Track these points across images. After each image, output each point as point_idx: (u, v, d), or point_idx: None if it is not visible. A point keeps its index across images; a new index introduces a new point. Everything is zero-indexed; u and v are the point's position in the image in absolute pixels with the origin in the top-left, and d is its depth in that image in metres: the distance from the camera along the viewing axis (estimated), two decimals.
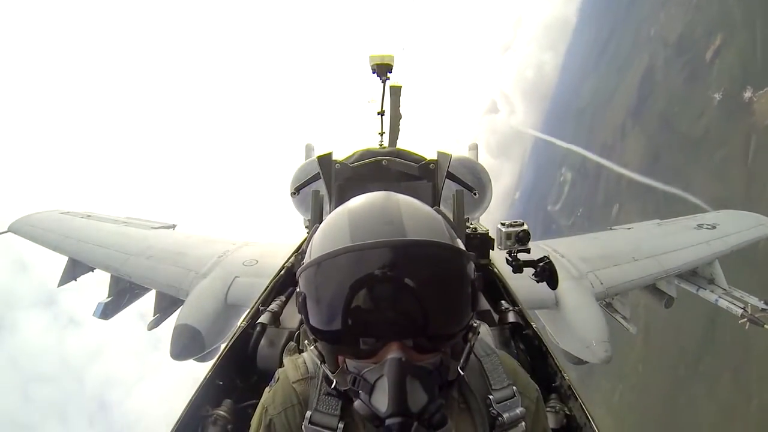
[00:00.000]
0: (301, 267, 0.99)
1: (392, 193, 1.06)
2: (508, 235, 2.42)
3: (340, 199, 2.84)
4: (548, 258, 2.42)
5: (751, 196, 21.95)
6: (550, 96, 63.25)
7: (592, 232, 7.11)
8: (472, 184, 3.37)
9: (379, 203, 1.03)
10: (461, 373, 0.97)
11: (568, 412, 1.90)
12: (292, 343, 2.13)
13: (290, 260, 3.18)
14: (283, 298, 2.77)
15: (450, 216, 2.17)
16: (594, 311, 4.35)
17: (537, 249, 4.29)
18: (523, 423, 1.06)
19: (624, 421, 24.49)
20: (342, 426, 0.99)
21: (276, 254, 4.46)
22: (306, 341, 1.68)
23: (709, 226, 5.84)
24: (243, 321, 2.47)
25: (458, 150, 6.28)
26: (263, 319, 2.44)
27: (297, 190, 3.68)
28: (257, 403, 1.14)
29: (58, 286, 5.62)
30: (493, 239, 2.98)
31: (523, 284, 2.98)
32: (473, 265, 1.00)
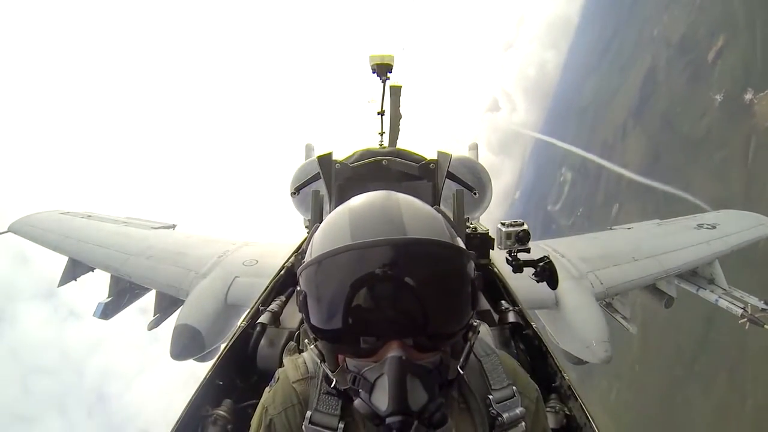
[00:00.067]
0: (302, 265, 0.99)
1: (392, 192, 1.06)
2: (508, 235, 2.42)
3: (340, 199, 2.84)
4: (548, 258, 2.42)
5: (751, 197, 21.99)
6: (551, 94, 63.31)
7: (592, 232, 7.11)
8: (472, 183, 3.37)
9: (379, 202, 1.03)
10: (461, 372, 0.97)
11: (568, 412, 1.90)
12: (292, 343, 2.13)
13: (290, 260, 3.18)
14: (283, 298, 2.77)
15: (450, 216, 2.17)
16: (594, 311, 4.35)
17: (537, 249, 4.28)
18: (523, 423, 1.06)
19: (620, 419, 24.56)
20: (342, 426, 0.99)
21: (276, 254, 4.46)
22: (306, 341, 1.68)
23: (709, 226, 5.84)
24: (243, 321, 2.47)
25: (458, 150, 6.29)
26: (263, 319, 2.44)
27: (297, 190, 3.68)
28: (257, 403, 1.14)
29: (58, 286, 5.63)
30: (493, 239, 2.98)
31: (523, 284, 2.98)
32: (473, 264, 1.00)
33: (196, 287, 4.51)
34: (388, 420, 0.84)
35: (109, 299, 5.26)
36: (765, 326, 4.95)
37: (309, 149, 6.20)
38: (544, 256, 2.43)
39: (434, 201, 3.05)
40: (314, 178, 3.42)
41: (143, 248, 5.22)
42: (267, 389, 1.14)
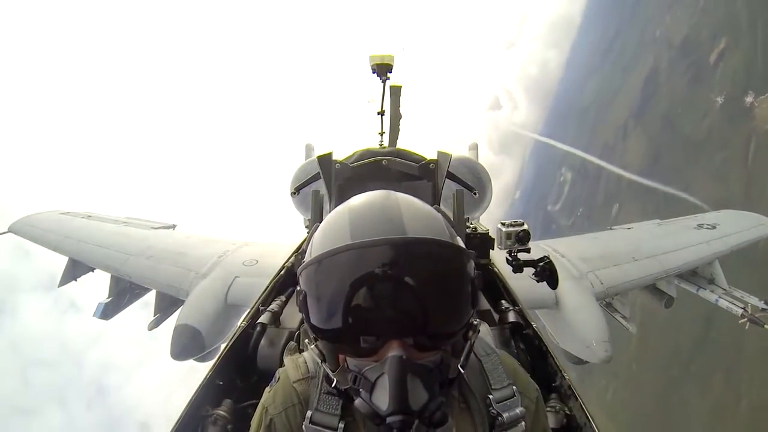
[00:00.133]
0: (302, 265, 0.99)
1: (392, 192, 1.06)
2: (508, 235, 2.42)
3: (340, 199, 2.84)
4: (548, 258, 2.42)
5: (751, 198, 22.04)
6: (553, 94, 63.37)
7: (592, 232, 7.11)
8: (472, 183, 3.36)
9: (379, 202, 1.03)
10: (461, 371, 0.97)
11: (568, 412, 1.90)
12: (293, 343, 2.13)
13: (290, 260, 3.18)
14: (283, 298, 2.77)
15: (450, 216, 2.17)
16: (594, 311, 4.35)
17: (537, 249, 4.28)
18: (523, 423, 1.06)
19: (617, 418, 24.63)
20: (343, 425, 0.99)
21: (276, 254, 4.46)
22: (306, 340, 1.68)
23: (709, 226, 5.84)
24: (243, 321, 2.47)
25: (458, 150, 6.29)
26: (263, 319, 2.44)
27: (297, 190, 3.68)
28: (257, 403, 1.14)
29: (58, 286, 5.63)
30: (493, 239, 2.98)
31: (523, 284, 2.98)
32: (473, 263, 1.00)
33: (196, 287, 4.51)
34: (389, 419, 0.84)
35: (109, 299, 5.27)
36: (765, 326, 4.95)
37: (309, 149, 6.19)
38: (544, 256, 2.43)
39: (434, 201, 3.05)
40: (314, 178, 3.42)
41: (143, 248, 5.22)
42: (267, 389, 1.14)
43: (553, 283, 2.41)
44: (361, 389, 0.91)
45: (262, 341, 2.32)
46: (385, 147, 4.22)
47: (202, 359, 4.46)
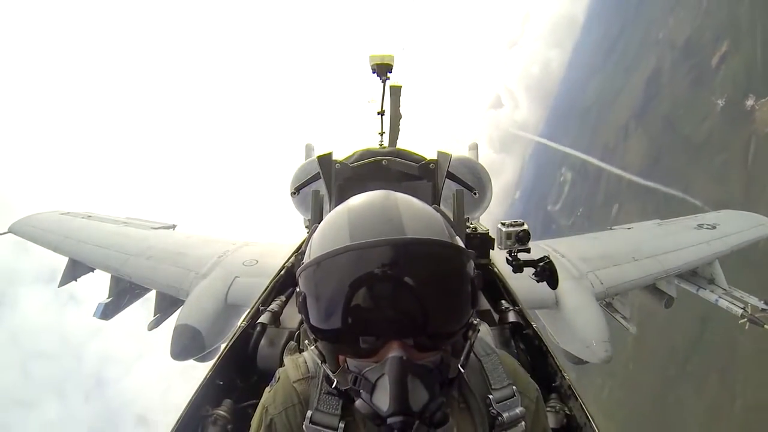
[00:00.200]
0: (301, 266, 0.99)
1: (391, 192, 1.06)
2: (509, 235, 2.42)
3: (340, 199, 2.84)
4: (548, 258, 2.42)
5: (750, 200, 22.09)
6: (554, 93, 63.26)
7: (592, 232, 7.11)
8: (472, 183, 3.37)
9: (378, 202, 1.03)
10: (461, 370, 0.97)
11: (568, 412, 1.90)
12: (293, 343, 2.13)
13: (290, 260, 3.18)
14: (283, 298, 2.77)
15: (450, 215, 2.17)
16: (594, 311, 4.35)
17: (537, 249, 4.28)
18: (523, 423, 1.06)
19: (612, 417, 24.69)
20: (343, 425, 0.99)
21: (276, 254, 4.46)
22: (306, 341, 1.68)
23: (710, 226, 5.84)
24: (243, 321, 2.47)
25: (458, 150, 6.29)
26: (263, 319, 2.44)
27: (297, 190, 3.68)
28: (257, 403, 1.14)
29: (58, 287, 5.63)
30: (493, 239, 2.98)
31: (523, 284, 2.98)
32: (473, 263, 1.00)
33: (196, 287, 4.51)
34: (390, 420, 0.84)
35: (110, 299, 5.27)
36: (765, 326, 4.96)
37: (309, 149, 6.19)
38: (544, 256, 2.43)
39: (434, 201, 3.05)
40: (314, 178, 3.42)
41: (143, 248, 5.22)
42: (267, 389, 1.14)
43: (553, 283, 2.41)
44: (361, 390, 0.91)
45: (262, 341, 2.32)
46: (385, 147, 4.22)
47: (202, 359, 4.46)
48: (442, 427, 0.88)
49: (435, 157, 3.09)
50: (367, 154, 3.20)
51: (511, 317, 2.52)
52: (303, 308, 0.98)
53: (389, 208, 0.98)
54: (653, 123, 35.10)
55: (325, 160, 3.07)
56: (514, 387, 1.09)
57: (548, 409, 1.91)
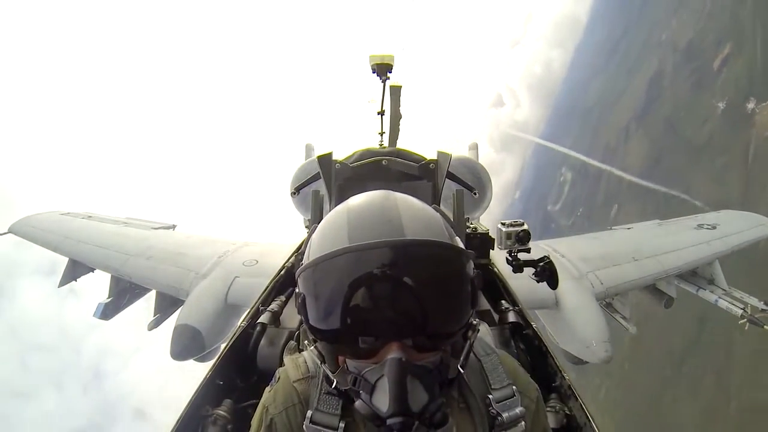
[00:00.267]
0: (300, 268, 0.99)
1: (391, 192, 1.05)
2: (509, 235, 2.42)
3: (340, 199, 2.84)
4: (548, 258, 2.41)
5: (749, 203, 22.14)
6: (556, 93, 63.38)
7: (592, 232, 7.11)
8: (472, 183, 3.36)
9: (377, 202, 1.02)
10: (461, 371, 0.97)
11: (568, 412, 1.90)
12: (293, 342, 2.13)
13: (290, 260, 3.18)
14: (283, 297, 2.77)
15: (450, 215, 2.17)
16: (594, 311, 4.35)
17: (537, 249, 4.27)
18: (523, 422, 1.06)
19: (608, 417, 24.73)
20: (343, 425, 0.99)
21: (276, 254, 4.46)
22: (306, 341, 1.68)
23: (710, 227, 5.84)
24: (243, 321, 2.47)
25: (458, 149, 6.29)
26: (263, 319, 2.44)
27: (297, 190, 3.67)
28: (257, 403, 1.14)
29: (58, 287, 5.64)
30: (493, 239, 2.98)
31: (523, 284, 2.98)
32: (472, 264, 1.00)
33: (196, 287, 4.51)
34: (389, 421, 0.85)
35: (110, 299, 5.27)
36: (765, 327, 4.95)
37: (309, 149, 6.19)
38: (544, 256, 2.43)
39: (434, 201, 3.05)
40: (314, 178, 3.41)
41: (143, 249, 5.22)
42: (268, 389, 1.14)
43: (553, 283, 2.41)
44: (361, 391, 0.91)
45: (262, 341, 2.32)
46: (385, 147, 4.21)
47: (202, 359, 4.46)
48: (442, 428, 0.88)
49: (435, 157, 3.08)
50: (367, 154, 3.19)
51: (511, 317, 2.52)
52: (302, 309, 0.97)
53: (389, 209, 0.98)
54: (654, 124, 35.15)
55: (325, 160, 3.07)
56: (513, 387, 1.09)
57: (548, 409, 1.91)
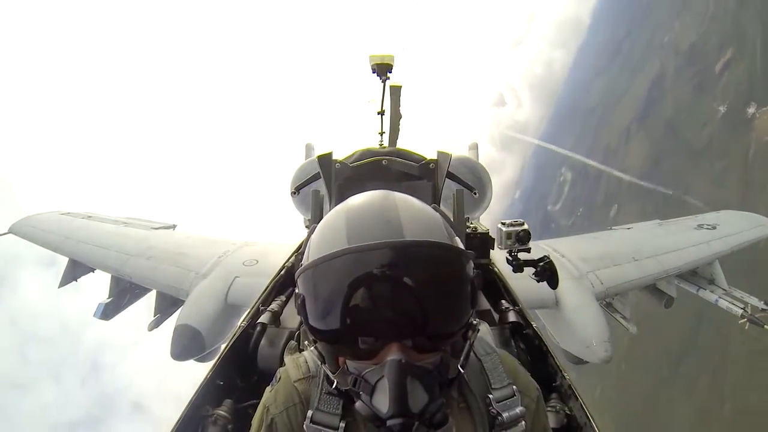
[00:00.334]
0: (299, 269, 0.99)
1: (390, 192, 1.05)
2: (509, 235, 2.42)
3: (340, 198, 2.84)
4: (548, 258, 2.41)
5: (748, 205, 22.20)
6: (558, 93, 63.45)
7: (592, 232, 7.11)
8: (472, 183, 3.36)
9: (376, 202, 1.02)
10: (461, 371, 0.97)
11: (568, 412, 1.91)
12: (293, 342, 2.13)
13: (290, 260, 3.18)
14: (283, 297, 2.77)
15: (450, 215, 2.17)
16: (594, 311, 4.35)
17: (537, 248, 4.27)
18: (523, 422, 1.06)
19: (603, 416, 24.77)
20: (343, 425, 0.99)
21: (276, 254, 4.46)
22: (306, 341, 1.68)
23: (710, 227, 5.84)
24: (243, 321, 2.47)
25: (458, 149, 6.29)
26: (263, 319, 2.44)
27: (297, 190, 3.67)
28: (257, 403, 1.14)
29: (58, 287, 5.64)
30: (494, 239, 2.98)
31: (523, 284, 2.98)
32: (472, 264, 1.00)
33: (197, 287, 4.50)
34: (389, 422, 0.84)
35: (110, 300, 5.27)
36: (765, 326, 4.95)
37: (309, 149, 6.18)
38: (545, 256, 2.43)
39: (434, 201, 3.05)
40: (314, 178, 3.41)
41: (143, 249, 5.22)
42: (268, 388, 1.14)
43: (553, 283, 2.41)
44: (361, 392, 0.91)
45: (263, 341, 2.32)
46: (385, 147, 4.21)
47: (203, 359, 4.46)
48: (442, 428, 0.88)
49: (435, 157, 3.08)
50: (367, 153, 3.19)
51: (511, 317, 2.52)
52: (302, 310, 0.97)
53: (388, 209, 0.98)
54: (655, 126, 35.24)
55: (325, 159, 3.07)
56: (514, 386, 1.09)
57: (548, 408, 1.91)
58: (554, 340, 4.44)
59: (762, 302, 5.05)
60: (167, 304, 5.09)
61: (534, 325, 2.38)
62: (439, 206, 2.49)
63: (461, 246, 1.00)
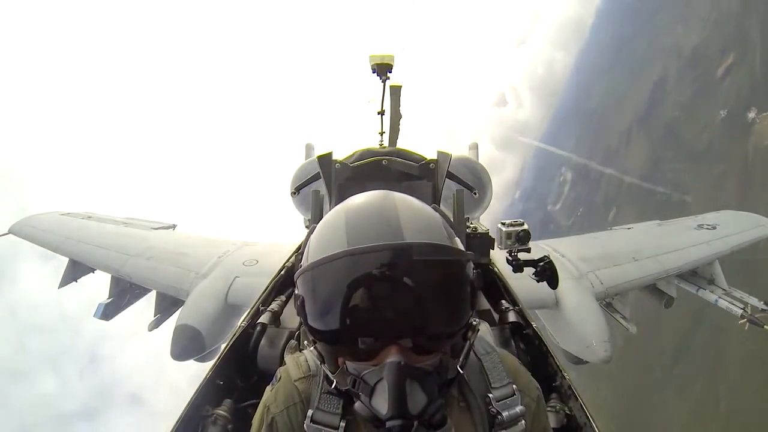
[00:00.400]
0: (298, 271, 0.99)
1: (389, 192, 1.05)
2: (509, 235, 2.42)
3: (340, 198, 2.84)
4: (548, 258, 2.41)
5: (747, 208, 22.25)
6: (559, 93, 63.45)
7: (592, 232, 7.11)
8: (472, 183, 3.36)
9: (376, 203, 1.02)
10: (461, 371, 0.97)
11: (568, 412, 1.91)
12: (293, 342, 2.13)
13: (290, 260, 3.18)
14: (283, 297, 2.77)
15: (450, 215, 2.17)
16: (594, 311, 4.35)
17: (537, 248, 4.28)
18: (523, 421, 1.06)
19: (599, 416, 24.86)
20: (344, 424, 0.99)
21: (276, 254, 4.46)
22: (306, 341, 1.68)
23: (710, 227, 5.84)
24: (243, 321, 2.46)
25: (459, 149, 6.29)
26: (263, 318, 2.44)
27: (297, 190, 3.67)
28: (257, 403, 1.14)
29: (59, 287, 5.64)
30: (493, 239, 2.98)
31: (523, 284, 2.97)
32: (472, 265, 1.00)
33: (197, 287, 4.51)
34: (389, 424, 0.85)
35: (110, 300, 5.27)
36: (765, 327, 4.95)
37: (309, 149, 6.18)
38: (545, 256, 2.42)
39: (434, 201, 3.05)
40: (314, 178, 3.41)
41: (143, 249, 5.22)
42: (269, 388, 1.14)
43: (553, 283, 2.41)
44: (360, 393, 0.91)
45: (262, 341, 2.32)
46: (385, 147, 4.21)
47: (203, 359, 4.46)
48: (441, 429, 0.88)
49: (435, 157, 3.08)
50: (367, 153, 3.19)
51: (511, 317, 2.52)
52: (301, 311, 0.97)
53: (387, 210, 0.97)
54: (655, 129, 35.28)
55: (325, 159, 3.07)
56: (514, 386, 1.09)
57: (548, 408, 1.91)
58: (554, 340, 4.44)
59: (762, 302, 5.05)
60: (167, 304, 5.10)
61: (534, 325, 2.37)
62: (439, 206, 2.49)
63: (461, 246, 1.00)
